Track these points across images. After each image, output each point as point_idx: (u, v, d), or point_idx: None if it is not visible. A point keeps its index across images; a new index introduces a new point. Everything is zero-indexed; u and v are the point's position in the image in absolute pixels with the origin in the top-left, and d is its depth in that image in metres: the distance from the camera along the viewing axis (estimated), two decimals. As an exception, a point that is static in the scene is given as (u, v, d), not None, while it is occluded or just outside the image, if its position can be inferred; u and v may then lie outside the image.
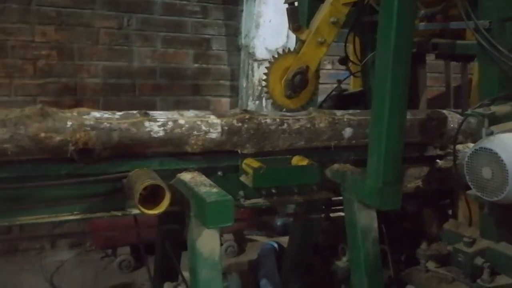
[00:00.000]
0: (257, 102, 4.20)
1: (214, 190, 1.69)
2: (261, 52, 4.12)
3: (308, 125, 2.05)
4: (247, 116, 1.94)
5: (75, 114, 1.69)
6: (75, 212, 1.76)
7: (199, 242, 1.70)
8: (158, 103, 4.01)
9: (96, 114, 1.72)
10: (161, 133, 1.78)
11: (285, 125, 2.01)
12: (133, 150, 1.78)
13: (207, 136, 1.86)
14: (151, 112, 1.82)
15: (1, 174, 1.64)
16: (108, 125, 1.70)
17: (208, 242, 1.70)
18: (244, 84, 4.28)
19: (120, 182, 1.76)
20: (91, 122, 1.68)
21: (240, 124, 1.92)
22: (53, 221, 1.75)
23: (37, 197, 1.70)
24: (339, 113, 2.16)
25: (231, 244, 3.80)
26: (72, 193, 1.74)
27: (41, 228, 3.43)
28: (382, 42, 1.87)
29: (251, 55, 4.16)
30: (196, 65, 4.17)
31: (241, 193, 2.00)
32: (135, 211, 1.78)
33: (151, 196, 1.66)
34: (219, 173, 1.96)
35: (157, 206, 1.66)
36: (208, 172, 1.90)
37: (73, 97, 3.71)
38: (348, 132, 2.12)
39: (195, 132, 1.83)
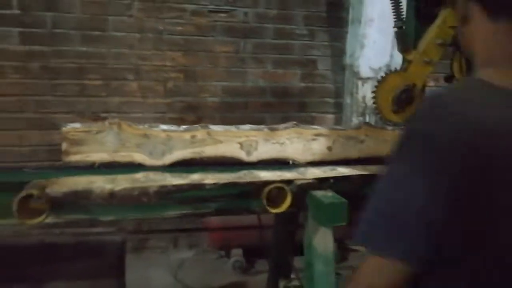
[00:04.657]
0: (360, 118, 4.38)
1: (329, 193, 1.93)
2: (365, 71, 4.31)
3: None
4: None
5: (146, 126, 1.97)
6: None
7: (315, 240, 1.91)
8: (267, 119, 4.34)
9: (164, 126, 1.99)
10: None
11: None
12: (192, 162, 1.98)
13: None
14: (211, 126, 2.04)
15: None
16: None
17: (323, 239, 1.91)
18: (348, 101, 4.48)
19: (248, 186, 2.05)
20: None
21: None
22: (193, 213, 2.03)
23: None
24: (390, 128, 2.28)
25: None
26: (211, 194, 1.95)
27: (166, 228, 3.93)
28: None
29: (356, 74, 4.36)
30: (302, 84, 4.45)
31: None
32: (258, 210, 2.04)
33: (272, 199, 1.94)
34: (331, 180, 2.18)
35: (278, 206, 1.95)
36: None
37: (195, 114, 4.17)
38: None
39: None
